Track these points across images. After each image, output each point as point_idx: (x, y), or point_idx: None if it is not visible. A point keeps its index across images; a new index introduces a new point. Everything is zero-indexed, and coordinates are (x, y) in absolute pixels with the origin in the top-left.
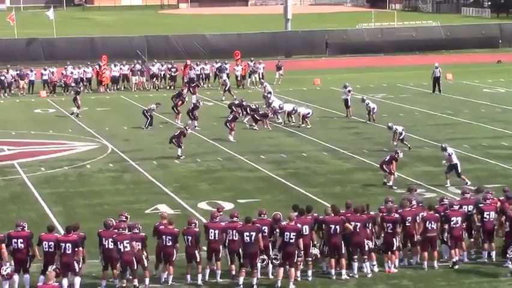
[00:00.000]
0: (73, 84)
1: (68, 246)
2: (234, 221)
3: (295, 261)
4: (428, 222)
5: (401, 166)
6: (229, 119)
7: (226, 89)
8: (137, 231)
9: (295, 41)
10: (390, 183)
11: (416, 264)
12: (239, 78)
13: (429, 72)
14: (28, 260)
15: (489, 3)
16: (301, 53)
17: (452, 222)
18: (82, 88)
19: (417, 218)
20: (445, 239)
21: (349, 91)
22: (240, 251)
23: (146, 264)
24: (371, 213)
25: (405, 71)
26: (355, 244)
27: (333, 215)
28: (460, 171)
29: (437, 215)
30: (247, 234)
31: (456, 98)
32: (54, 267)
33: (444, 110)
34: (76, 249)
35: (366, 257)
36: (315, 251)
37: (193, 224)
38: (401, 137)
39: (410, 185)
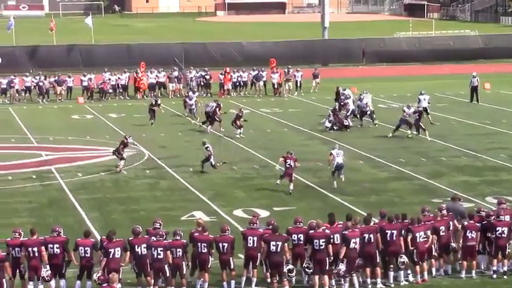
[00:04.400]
0: (110, 91)
1: (118, 250)
2: (270, 229)
3: (327, 268)
4: (468, 231)
5: (438, 176)
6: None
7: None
8: (178, 237)
9: (332, 49)
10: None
11: (452, 274)
12: (276, 86)
13: (467, 81)
14: (64, 265)
15: None
16: (338, 61)
17: (497, 232)
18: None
19: (451, 226)
20: (481, 250)
21: (366, 104)
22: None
23: (185, 272)
24: (405, 221)
25: (442, 80)
26: (391, 253)
27: (364, 224)
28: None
29: (477, 224)
30: (274, 243)
31: (494, 108)
32: (99, 274)
33: (482, 119)
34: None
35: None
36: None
37: (227, 231)
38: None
39: (454, 194)
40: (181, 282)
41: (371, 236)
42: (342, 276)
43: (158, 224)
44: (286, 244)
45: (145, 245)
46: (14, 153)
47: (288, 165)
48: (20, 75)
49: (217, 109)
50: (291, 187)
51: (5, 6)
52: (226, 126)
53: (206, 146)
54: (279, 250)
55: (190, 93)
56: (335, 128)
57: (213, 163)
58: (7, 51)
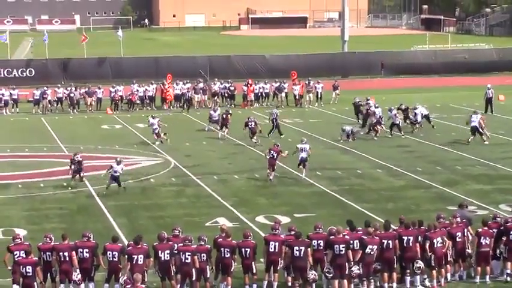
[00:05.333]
0: (138, 102)
1: (141, 257)
2: (291, 235)
3: (347, 272)
4: (482, 237)
5: (453, 184)
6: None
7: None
8: (202, 243)
9: (351, 62)
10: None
11: (467, 279)
12: (297, 97)
13: (482, 93)
14: (93, 269)
15: None
16: (358, 73)
17: (511, 236)
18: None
19: (466, 233)
20: (498, 255)
21: (395, 115)
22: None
23: (208, 276)
24: (421, 228)
25: (458, 91)
26: (407, 258)
27: (383, 231)
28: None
29: (491, 231)
30: (297, 248)
31: (508, 118)
32: (125, 278)
33: (496, 129)
34: (147, 259)
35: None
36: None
37: (250, 237)
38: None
39: (462, 201)
40: (205, 286)
41: (390, 242)
42: (355, 278)
43: (178, 231)
44: (309, 249)
45: (168, 251)
46: (46, 161)
47: (271, 155)
48: (52, 86)
49: (230, 115)
50: (271, 177)
51: (38, 21)
52: (247, 136)
53: (121, 166)
54: (302, 255)
55: (212, 112)
56: (350, 139)
57: (120, 184)
58: (40, 64)
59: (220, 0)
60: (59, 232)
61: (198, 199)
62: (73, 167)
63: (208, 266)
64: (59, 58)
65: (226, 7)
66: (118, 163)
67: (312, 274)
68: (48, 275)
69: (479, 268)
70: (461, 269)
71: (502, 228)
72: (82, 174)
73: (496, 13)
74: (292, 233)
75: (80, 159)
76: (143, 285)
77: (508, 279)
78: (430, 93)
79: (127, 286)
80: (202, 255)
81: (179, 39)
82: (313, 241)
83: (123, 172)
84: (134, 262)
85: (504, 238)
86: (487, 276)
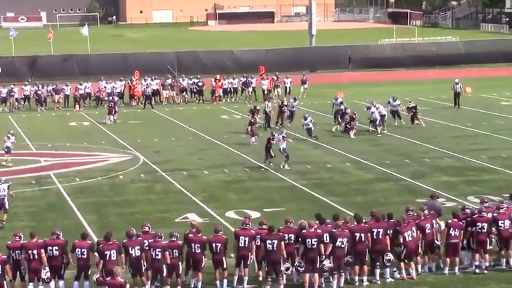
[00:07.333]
0: (106, 98)
1: (113, 253)
2: (263, 228)
3: (318, 266)
4: (452, 229)
5: (421, 176)
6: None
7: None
8: (174, 239)
9: (319, 56)
10: None
11: (436, 270)
12: (265, 92)
13: (449, 85)
14: (63, 266)
15: (507, 19)
16: (325, 67)
17: (478, 228)
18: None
19: (434, 224)
20: (465, 246)
21: (341, 102)
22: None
23: (180, 272)
24: (391, 220)
25: (425, 84)
26: (377, 251)
27: (356, 223)
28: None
29: (461, 222)
30: (270, 242)
31: (475, 111)
32: (98, 275)
33: (463, 122)
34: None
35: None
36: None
37: (220, 232)
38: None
39: (433, 192)
40: (177, 282)
41: (362, 235)
42: (326, 271)
43: (147, 228)
44: (282, 242)
45: (138, 247)
46: (14, 159)
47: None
48: (20, 84)
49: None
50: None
51: (4, 18)
52: (217, 131)
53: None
54: (275, 248)
55: None
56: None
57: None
58: (7, 61)
59: None
60: (28, 230)
61: (167, 195)
62: None
63: (180, 262)
64: (26, 55)
65: (193, 3)
66: (3, 182)
67: (285, 267)
68: (18, 273)
69: (448, 259)
70: (430, 261)
71: (469, 219)
72: None
73: (462, 6)
74: (265, 226)
75: None
76: (122, 280)
77: (477, 270)
78: (398, 87)
79: (105, 279)
80: (174, 251)
81: (147, 36)
82: (285, 235)
83: (6, 193)
84: (107, 259)
85: (470, 229)
86: (456, 268)
